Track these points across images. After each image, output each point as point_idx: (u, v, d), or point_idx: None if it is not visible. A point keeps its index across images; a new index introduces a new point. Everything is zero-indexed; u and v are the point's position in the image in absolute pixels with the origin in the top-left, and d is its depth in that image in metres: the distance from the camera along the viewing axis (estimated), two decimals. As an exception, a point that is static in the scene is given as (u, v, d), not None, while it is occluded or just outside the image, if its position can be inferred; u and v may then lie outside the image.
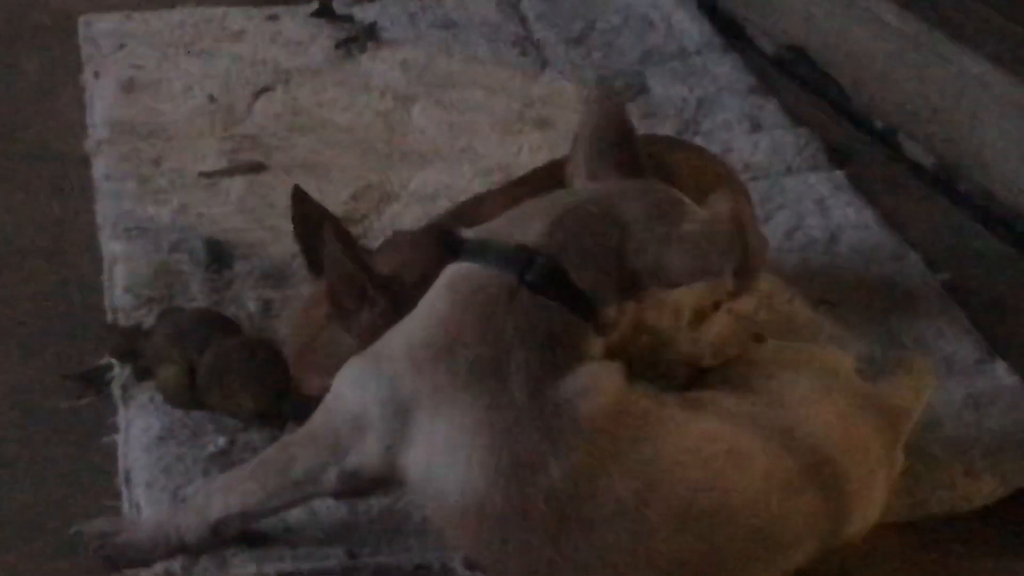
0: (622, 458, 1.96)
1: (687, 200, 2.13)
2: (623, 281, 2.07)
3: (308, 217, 2.44)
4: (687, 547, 1.97)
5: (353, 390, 2.06)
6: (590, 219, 2.08)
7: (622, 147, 2.20)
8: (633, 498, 1.96)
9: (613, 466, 1.96)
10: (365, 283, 2.25)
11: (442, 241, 2.27)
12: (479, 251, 2.09)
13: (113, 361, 2.53)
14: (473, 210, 2.48)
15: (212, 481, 2.19)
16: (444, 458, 1.97)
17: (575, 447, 1.95)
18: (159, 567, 2.12)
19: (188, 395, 2.41)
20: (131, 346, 2.52)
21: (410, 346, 2.04)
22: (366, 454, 2.03)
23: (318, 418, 2.09)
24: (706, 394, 2.13)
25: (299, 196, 2.46)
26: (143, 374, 2.50)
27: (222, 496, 2.11)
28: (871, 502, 2.13)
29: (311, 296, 2.44)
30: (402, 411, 2.00)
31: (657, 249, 2.06)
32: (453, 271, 2.09)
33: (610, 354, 2.08)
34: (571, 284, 2.05)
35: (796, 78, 3.75)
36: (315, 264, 2.39)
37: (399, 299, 2.21)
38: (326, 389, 2.13)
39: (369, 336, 2.15)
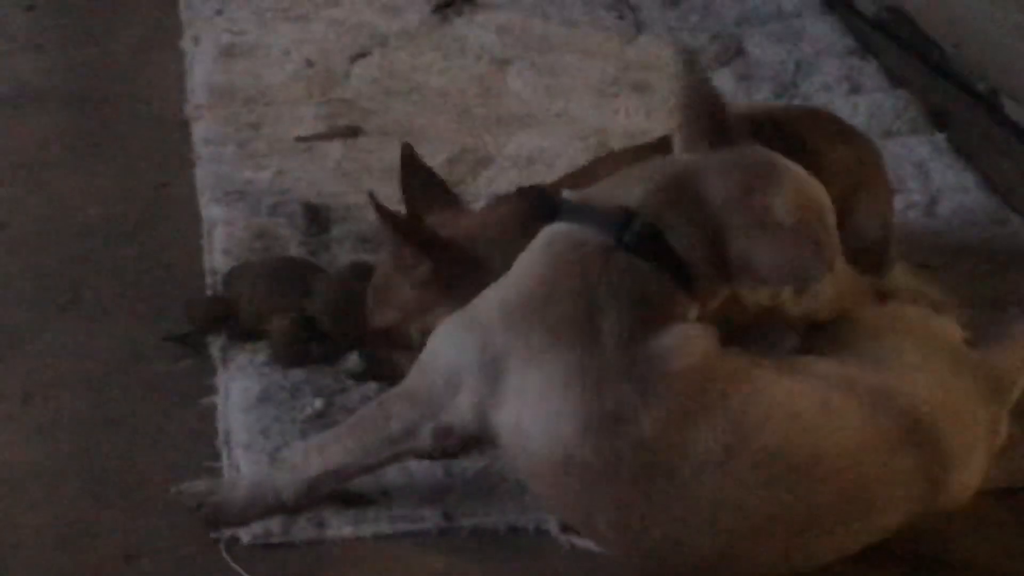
0: (711, 411, 1.97)
1: (784, 168, 2.12)
2: (715, 265, 2.07)
3: (415, 173, 2.48)
4: (776, 501, 1.96)
5: (447, 348, 2.08)
6: (688, 191, 2.09)
7: (713, 116, 2.19)
8: (722, 450, 1.96)
9: (702, 418, 1.96)
10: (417, 245, 2.33)
11: (533, 201, 2.33)
12: (577, 212, 2.09)
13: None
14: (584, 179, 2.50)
15: (309, 440, 2.21)
16: (534, 413, 1.98)
17: (664, 400, 1.96)
18: (257, 526, 2.14)
19: (303, 342, 2.45)
20: (223, 314, 2.55)
21: (503, 304, 2.05)
22: (459, 410, 2.05)
23: (414, 376, 2.11)
24: (802, 359, 2.12)
25: (408, 154, 2.49)
26: (240, 338, 2.52)
27: (319, 454, 2.14)
28: (972, 468, 2.10)
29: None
30: (494, 367, 2.02)
31: (747, 243, 2.07)
32: (550, 231, 2.10)
33: (705, 318, 2.08)
34: (669, 248, 2.05)
35: (896, 40, 3.71)
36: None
37: (453, 259, 2.32)
38: (393, 322, 2.33)
39: (422, 287, 2.32)
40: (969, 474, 2.11)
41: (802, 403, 2.02)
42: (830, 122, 2.69)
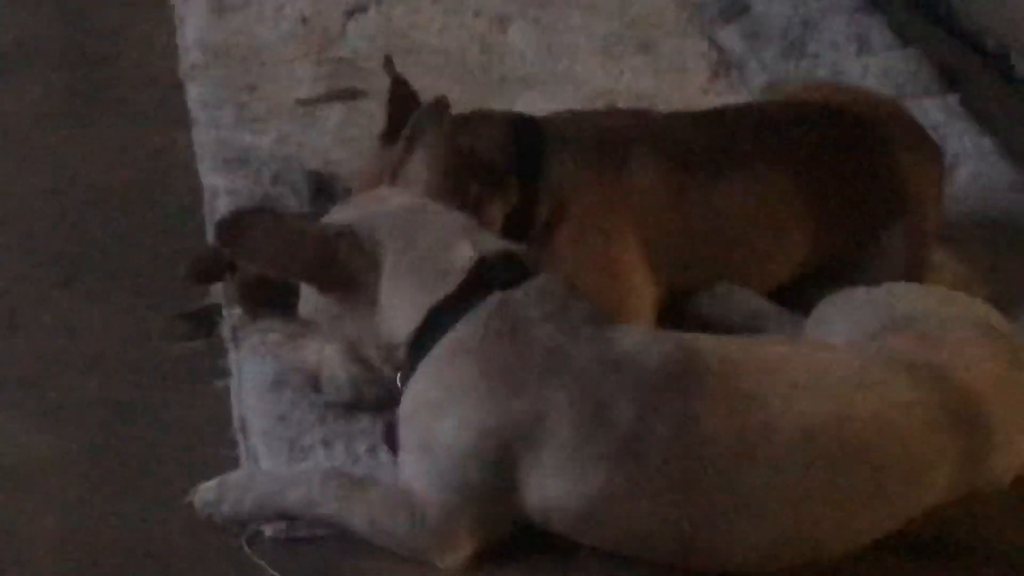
0: (722, 398, 1.92)
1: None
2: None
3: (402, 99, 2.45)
4: (818, 481, 1.93)
5: (439, 489, 1.96)
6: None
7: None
8: (754, 435, 1.92)
9: (716, 408, 1.92)
10: None
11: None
12: (447, 315, 2.00)
13: (221, 301, 2.48)
14: None
15: (326, 475, 2.07)
16: (555, 475, 1.92)
17: (667, 402, 1.91)
18: (280, 521, 2.08)
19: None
20: (214, 266, 2.47)
21: (469, 419, 1.94)
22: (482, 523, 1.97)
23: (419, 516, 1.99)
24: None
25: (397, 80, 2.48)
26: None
27: (320, 500, 2.03)
28: (1015, 453, 2.07)
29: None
30: (501, 468, 1.94)
31: None
32: (449, 343, 1.99)
33: None
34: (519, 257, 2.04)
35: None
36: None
37: None
38: None
39: None
40: (1011, 458, 2.07)
41: (833, 375, 1.98)
42: (909, 123, 2.64)
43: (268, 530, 2.07)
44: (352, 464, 2.17)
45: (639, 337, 1.98)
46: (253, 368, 2.35)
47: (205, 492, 2.09)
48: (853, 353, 2.06)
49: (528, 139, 2.44)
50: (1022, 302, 2.53)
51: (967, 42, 3.45)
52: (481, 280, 2.00)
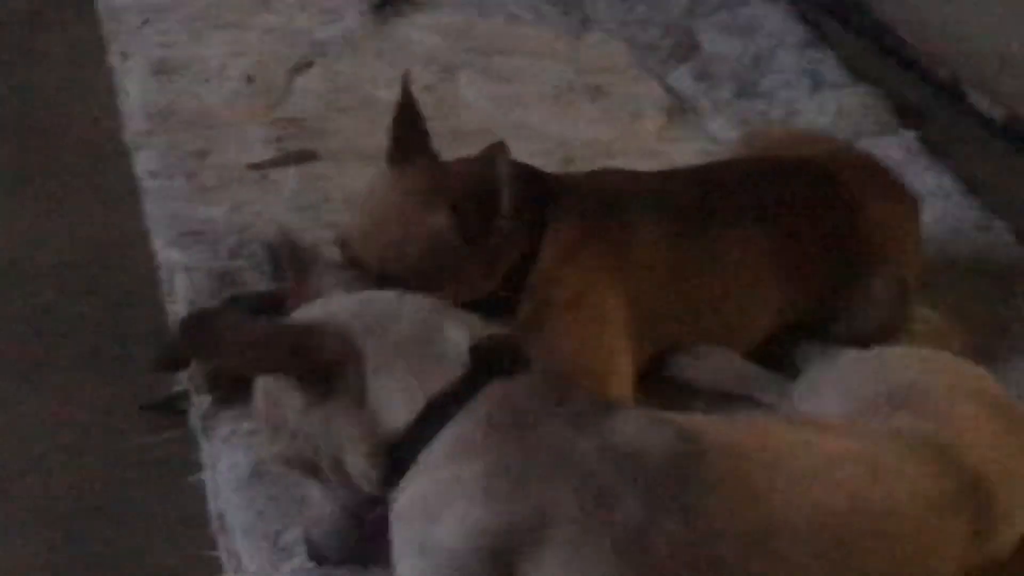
0: (729, 490, 1.87)
1: None
2: None
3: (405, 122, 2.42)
4: (828, 573, 1.86)
5: None
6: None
7: None
8: (760, 530, 1.86)
9: (723, 500, 1.86)
10: None
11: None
12: (454, 398, 1.93)
13: (187, 388, 2.41)
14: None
15: None
16: (560, 573, 1.84)
17: (673, 496, 1.85)
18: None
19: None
20: (181, 352, 2.40)
21: (474, 523, 1.85)
22: None
23: None
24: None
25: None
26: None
27: None
28: (1017, 524, 2.04)
29: None
30: (497, 566, 1.85)
31: None
32: (450, 437, 1.91)
33: None
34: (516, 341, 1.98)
35: (846, 24, 3.61)
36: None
37: None
38: None
39: None
40: (1012, 531, 2.04)
41: (844, 466, 1.93)
42: (883, 174, 2.61)
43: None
44: (338, 561, 2.11)
45: (639, 426, 1.91)
46: (228, 460, 2.28)
47: None
48: (860, 437, 2.00)
49: (533, 189, 2.39)
50: (999, 350, 2.52)
51: (918, 73, 3.43)
52: (478, 369, 1.94)
